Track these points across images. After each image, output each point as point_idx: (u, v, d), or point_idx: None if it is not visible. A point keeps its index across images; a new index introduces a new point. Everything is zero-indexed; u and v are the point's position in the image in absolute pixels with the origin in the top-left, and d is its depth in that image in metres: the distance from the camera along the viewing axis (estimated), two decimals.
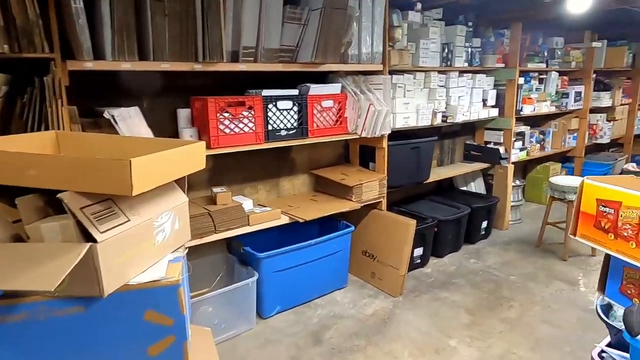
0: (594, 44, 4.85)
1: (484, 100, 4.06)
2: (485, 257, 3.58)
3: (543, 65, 4.48)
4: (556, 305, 2.82)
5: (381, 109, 2.87)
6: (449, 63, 3.62)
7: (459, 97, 3.77)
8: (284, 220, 2.69)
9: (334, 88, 2.88)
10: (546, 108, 4.61)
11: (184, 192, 1.40)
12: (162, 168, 1.21)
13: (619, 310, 1.63)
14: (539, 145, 4.77)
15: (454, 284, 3.13)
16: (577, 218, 1.18)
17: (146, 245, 1.21)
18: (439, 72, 3.59)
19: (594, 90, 5.20)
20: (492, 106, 4.14)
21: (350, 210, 2.94)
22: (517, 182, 4.38)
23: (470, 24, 3.75)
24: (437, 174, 3.83)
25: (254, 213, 2.56)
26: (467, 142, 4.42)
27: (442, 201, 3.87)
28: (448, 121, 3.64)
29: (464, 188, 4.35)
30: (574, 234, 1.22)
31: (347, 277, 3.12)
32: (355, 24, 2.75)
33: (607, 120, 5.63)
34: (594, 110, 5.34)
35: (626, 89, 5.85)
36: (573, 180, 3.48)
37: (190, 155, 1.37)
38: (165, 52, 2.06)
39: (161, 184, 1.23)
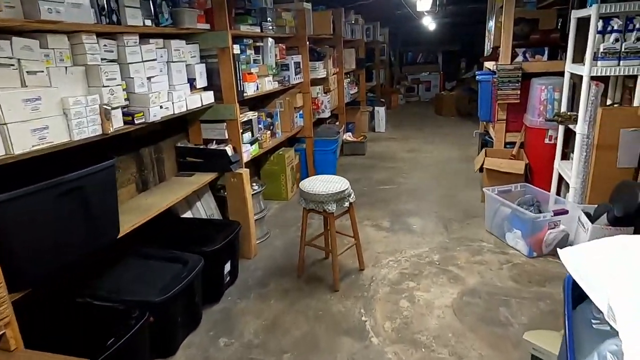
0: (305, 4, 4.14)
1: (191, 81, 2.68)
2: (239, 325, 2.33)
3: (258, 30, 3.42)
4: None
5: None
6: (113, 19, 2.01)
7: (149, 77, 2.25)
8: None
9: None
10: (270, 85, 3.63)
11: None
12: None
13: None
14: (269, 132, 3.80)
15: None
16: None
17: None
18: (100, 35, 1.95)
19: (310, 60, 4.60)
20: (204, 88, 2.81)
21: None
22: (256, 187, 3.28)
23: None
24: (138, 210, 2.26)
25: None
26: (179, 144, 2.97)
27: (156, 254, 2.33)
28: (137, 122, 2.08)
29: (188, 214, 2.94)
30: None
31: None
32: None
33: (325, 92, 5.25)
34: (312, 83, 4.80)
35: (333, 58, 5.62)
36: (329, 184, 2.57)
37: None
38: None
39: None
